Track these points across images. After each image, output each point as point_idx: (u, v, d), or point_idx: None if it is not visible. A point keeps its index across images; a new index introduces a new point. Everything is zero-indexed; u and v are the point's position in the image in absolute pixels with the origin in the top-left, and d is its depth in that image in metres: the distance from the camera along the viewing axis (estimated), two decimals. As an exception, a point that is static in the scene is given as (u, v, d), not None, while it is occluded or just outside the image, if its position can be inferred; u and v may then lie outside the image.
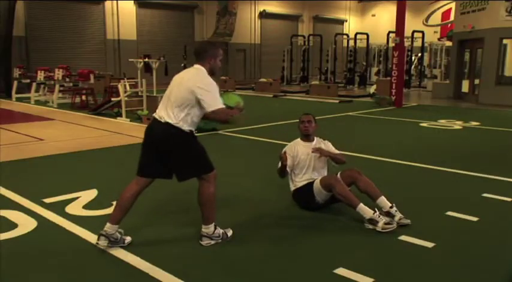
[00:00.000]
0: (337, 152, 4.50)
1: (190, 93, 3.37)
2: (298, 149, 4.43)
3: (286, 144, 4.60)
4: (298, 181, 4.41)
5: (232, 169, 5.93)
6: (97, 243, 3.47)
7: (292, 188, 4.48)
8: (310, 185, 4.29)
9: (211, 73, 3.52)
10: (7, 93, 15.86)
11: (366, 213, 3.90)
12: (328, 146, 4.52)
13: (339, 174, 4.25)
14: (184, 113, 3.38)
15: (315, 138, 4.54)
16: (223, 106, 3.44)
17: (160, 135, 3.42)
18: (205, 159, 3.54)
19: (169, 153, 3.43)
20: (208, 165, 3.54)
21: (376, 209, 3.94)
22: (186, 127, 3.40)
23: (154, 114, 3.55)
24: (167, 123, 3.38)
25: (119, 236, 3.51)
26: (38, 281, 3.09)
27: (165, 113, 3.43)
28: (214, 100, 3.38)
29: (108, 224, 3.48)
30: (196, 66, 3.54)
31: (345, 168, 4.37)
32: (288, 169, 4.36)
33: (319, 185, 4.19)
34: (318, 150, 4.30)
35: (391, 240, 3.68)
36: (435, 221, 4.15)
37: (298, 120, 4.56)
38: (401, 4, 13.34)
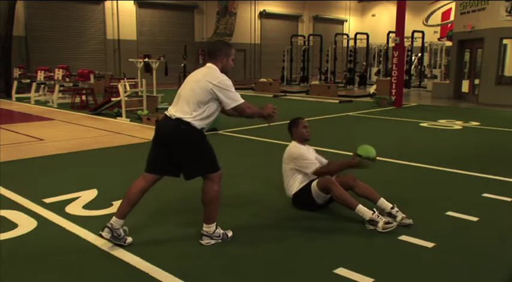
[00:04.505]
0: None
1: (205, 91, 3.39)
2: (310, 152, 4.43)
3: (287, 144, 4.59)
4: (301, 182, 4.35)
5: (232, 169, 5.93)
6: (100, 234, 3.49)
7: (293, 191, 4.39)
8: (306, 188, 4.26)
9: (224, 72, 3.53)
10: (7, 93, 15.87)
11: (365, 214, 3.89)
12: (313, 152, 4.55)
13: (334, 178, 4.22)
14: (200, 109, 3.40)
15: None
16: (243, 101, 3.49)
17: (170, 132, 3.43)
18: (213, 159, 3.54)
19: (178, 150, 3.44)
20: (216, 164, 3.54)
21: (374, 210, 3.93)
22: (198, 124, 3.40)
23: (165, 112, 3.57)
24: (178, 119, 3.39)
25: (122, 233, 3.52)
26: (38, 281, 3.09)
27: (176, 110, 3.44)
28: (233, 97, 3.43)
29: (114, 218, 3.50)
30: (209, 64, 3.56)
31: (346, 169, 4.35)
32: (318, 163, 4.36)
33: (317, 188, 4.18)
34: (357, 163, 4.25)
35: (391, 240, 3.68)
36: (435, 221, 4.15)
37: (291, 124, 4.51)
38: (401, 4, 13.34)
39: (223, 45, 3.68)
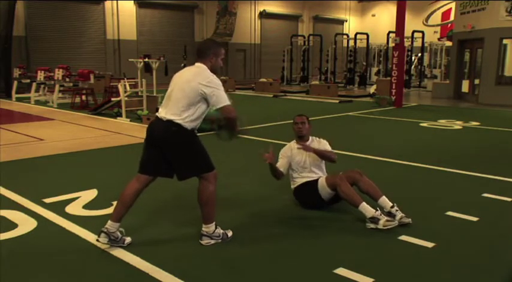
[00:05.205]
0: (329, 149, 4.55)
1: (195, 92, 3.37)
2: (293, 151, 4.47)
3: (286, 144, 4.61)
4: (299, 179, 4.44)
5: (232, 169, 5.94)
6: (97, 240, 3.48)
7: (293, 186, 4.51)
8: (313, 182, 4.32)
9: (213, 71, 3.51)
10: (7, 93, 15.87)
11: (368, 211, 3.92)
12: (325, 145, 4.58)
13: (341, 173, 4.28)
14: (190, 110, 3.38)
15: (310, 137, 4.59)
16: (229, 103, 3.45)
17: (161, 133, 3.42)
18: (206, 159, 3.53)
19: (170, 151, 3.43)
20: (209, 164, 3.54)
21: (377, 209, 3.96)
22: (189, 125, 3.40)
23: (156, 114, 3.55)
24: (169, 121, 3.38)
25: (120, 235, 3.51)
26: (38, 281, 3.08)
27: (166, 112, 3.43)
28: (220, 98, 3.40)
29: (109, 222, 3.48)
30: (198, 64, 3.54)
31: (346, 168, 4.37)
32: (281, 169, 4.41)
33: (325, 183, 4.23)
34: (302, 147, 4.37)
35: (391, 240, 3.68)
36: (435, 221, 4.15)
37: (292, 121, 4.59)
38: (401, 4, 13.34)
39: (212, 44, 3.66)
